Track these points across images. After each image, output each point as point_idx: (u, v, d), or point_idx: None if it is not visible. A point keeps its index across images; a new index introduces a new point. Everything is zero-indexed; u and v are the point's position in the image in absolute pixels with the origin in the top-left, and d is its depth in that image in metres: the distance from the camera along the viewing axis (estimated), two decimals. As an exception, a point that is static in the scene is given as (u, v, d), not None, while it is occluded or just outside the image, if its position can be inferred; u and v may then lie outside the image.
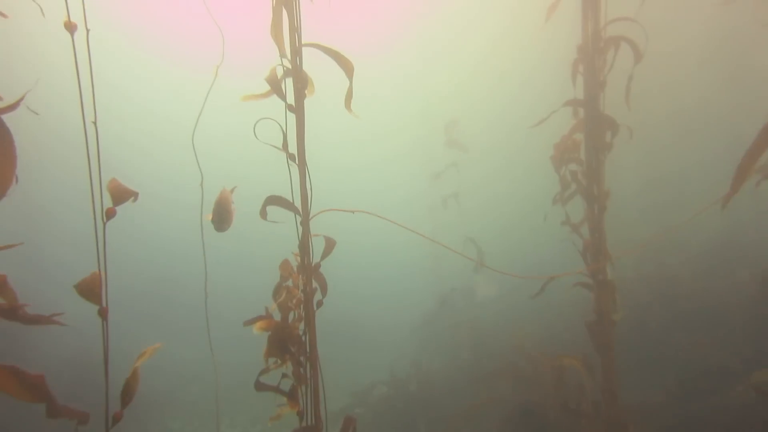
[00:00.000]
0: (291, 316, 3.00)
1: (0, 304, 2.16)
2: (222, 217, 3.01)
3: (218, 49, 3.36)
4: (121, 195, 1.92)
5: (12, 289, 2.21)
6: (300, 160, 2.79)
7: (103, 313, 1.80)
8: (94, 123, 1.72)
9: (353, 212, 3.01)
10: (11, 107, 1.84)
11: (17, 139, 1.87)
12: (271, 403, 2.85)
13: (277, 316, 2.90)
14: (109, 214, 1.76)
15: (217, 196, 3.05)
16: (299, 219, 2.81)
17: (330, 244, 2.96)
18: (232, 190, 3.18)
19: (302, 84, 2.79)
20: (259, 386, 2.72)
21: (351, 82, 2.86)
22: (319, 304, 2.88)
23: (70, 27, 1.71)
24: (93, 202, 1.72)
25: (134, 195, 2.03)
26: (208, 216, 3.05)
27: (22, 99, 1.86)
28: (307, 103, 2.88)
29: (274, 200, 2.84)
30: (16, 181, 2.09)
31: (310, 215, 2.83)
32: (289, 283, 3.02)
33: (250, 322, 2.77)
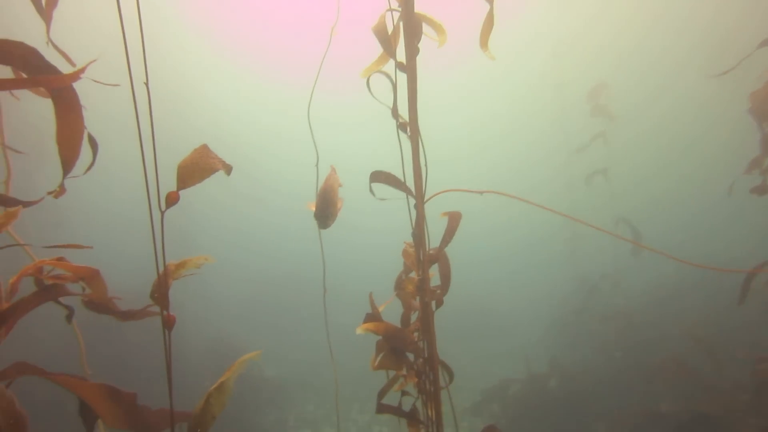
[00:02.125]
0: (414, 316, 2.54)
1: (91, 296, 2.00)
2: (327, 209, 2.54)
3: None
4: (201, 171, 1.55)
5: (104, 283, 2.04)
6: (412, 128, 2.28)
7: (168, 322, 1.48)
8: (146, 83, 1.38)
9: (481, 193, 2.42)
10: (74, 76, 1.60)
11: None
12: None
13: (390, 316, 2.46)
14: (170, 200, 1.41)
15: (322, 184, 2.63)
16: (412, 202, 2.30)
17: (454, 221, 2.40)
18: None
19: (414, 32, 2.25)
20: (381, 408, 2.29)
21: (492, 6, 2.25)
22: (439, 302, 2.36)
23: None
24: (147, 184, 1.39)
25: (225, 168, 1.65)
26: (311, 205, 2.65)
27: (84, 69, 1.61)
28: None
29: (381, 176, 2.37)
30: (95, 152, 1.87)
31: (426, 196, 2.31)
32: (413, 274, 2.56)
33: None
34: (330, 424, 8.26)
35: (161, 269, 1.50)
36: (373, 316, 2.42)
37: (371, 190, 2.44)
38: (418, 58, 2.33)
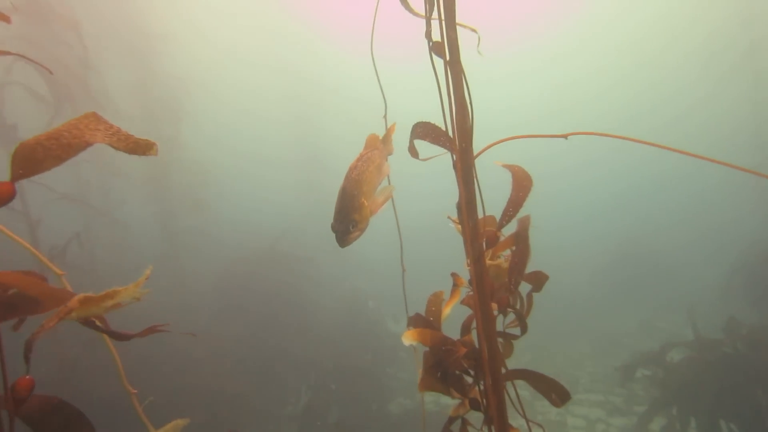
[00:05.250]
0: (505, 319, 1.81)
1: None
2: (345, 218, 1.63)
3: None
4: (63, 147, 0.99)
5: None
6: (451, 48, 1.51)
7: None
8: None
9: (565, 137, 1.57)
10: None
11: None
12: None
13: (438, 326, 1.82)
14: (2, 197, 0.96)
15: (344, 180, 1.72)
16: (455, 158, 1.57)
17: (521, 189, 1.62)
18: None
19: None
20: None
21: None
22: (502, 306, 1.64)
23: None
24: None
25: (123, 143, 1.02)
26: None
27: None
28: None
29: (420, 129, 1.67)
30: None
31: (474, 145, 1.55)
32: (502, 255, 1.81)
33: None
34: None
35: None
36: (420, 318, 1.81)
37: (411, 152, 1.76)
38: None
